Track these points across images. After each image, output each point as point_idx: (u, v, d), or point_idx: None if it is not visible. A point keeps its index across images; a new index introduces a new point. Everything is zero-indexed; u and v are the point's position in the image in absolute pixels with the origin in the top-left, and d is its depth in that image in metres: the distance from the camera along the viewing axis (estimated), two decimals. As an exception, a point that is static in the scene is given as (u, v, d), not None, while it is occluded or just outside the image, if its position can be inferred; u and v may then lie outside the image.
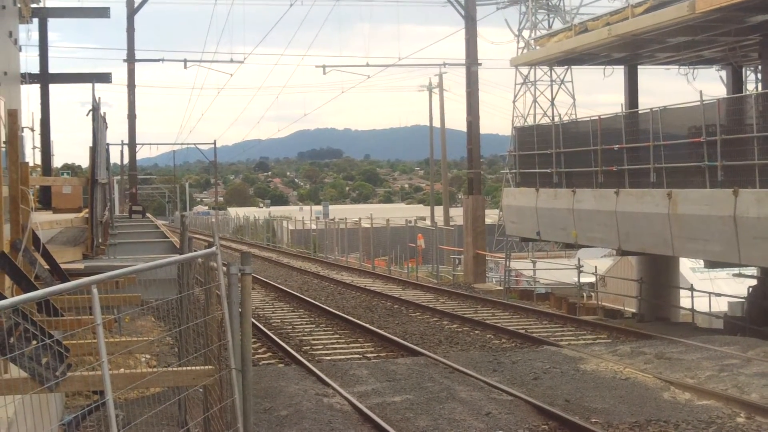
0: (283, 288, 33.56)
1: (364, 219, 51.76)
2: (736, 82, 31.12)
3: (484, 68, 41.65)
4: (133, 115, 41.12)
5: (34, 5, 32.90)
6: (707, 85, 31.51)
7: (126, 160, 44.08)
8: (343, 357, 20.02)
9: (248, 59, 45.06)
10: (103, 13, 37.13)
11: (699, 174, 22.03)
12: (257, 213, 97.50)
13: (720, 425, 13.24)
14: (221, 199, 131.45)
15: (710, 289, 28.77)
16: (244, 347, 8.09)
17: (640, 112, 26.55)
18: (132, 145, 42.20)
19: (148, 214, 37.91)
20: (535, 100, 52.10)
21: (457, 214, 60.41)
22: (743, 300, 25.42)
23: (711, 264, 24.58)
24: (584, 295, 32.99)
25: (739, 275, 27.70)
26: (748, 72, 34.32)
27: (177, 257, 9.95)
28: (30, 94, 35.07)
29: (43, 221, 16.40)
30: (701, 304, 27.20)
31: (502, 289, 34.91)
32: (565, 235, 28.51)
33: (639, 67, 32.50)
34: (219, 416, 8.31)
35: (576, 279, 31.25)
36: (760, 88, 30.16)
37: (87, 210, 19.09)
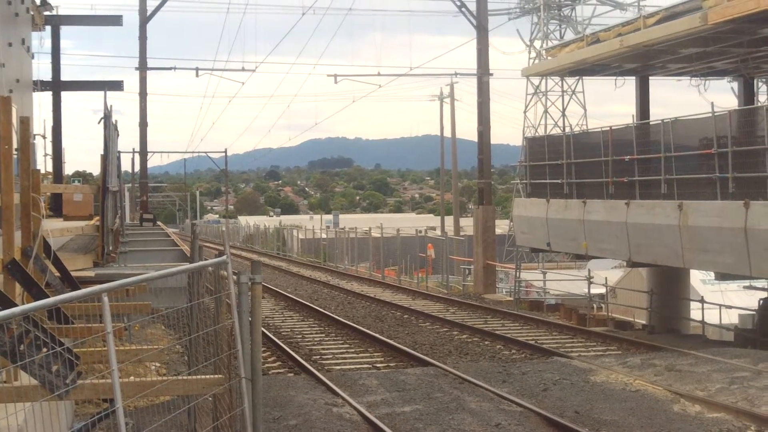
0: (293, 297, 33.55)
1: (375, 228, 51.74)
2: (747, 94, 31.10)
3: (495, 78, 41.74)
4: (144, 122, 41.15)
5: (47, 13, 33.12)
6: (719, 96, 31.47)
7: (137, 168, 44.08)
8: (352, 367, 20.01)
9: (260, 68, 45.27)
10: (115, 21, 37.37)
11: (710, 186, 21.97)
12: (268, 222, 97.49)
13: (730, 438, 13.19)
14: (232, 207, 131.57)
15: (721, 301, 28.63)
16: (254, 356, 8.09)
17: (651, 123, 26.52)
18: (143, 153, 42.20)
19: (158, 222, 38.02)
20: (546, 111, 52.11)
21: (468, 224, 60.38)
22: (754, 312, 25.31)
23: (722, 276, 24.50)
24: (594, 306, 32.89)
25: (750, 287, 27.57)
26: (760, 83, 34.28)
27: (187, 266, 9.96)
28: (42, 101, 35.30)
29: (54, 229, 16.47)
30: (712, 317, 27.07)
31: (512, 299, 34.85)
32: (576, 246, 28.45)
33: (650, 77, 32.47)
34: (228, 425, 8.30)
35: (586, 290, 31.17)
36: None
37: (98, 218, 19.16)
